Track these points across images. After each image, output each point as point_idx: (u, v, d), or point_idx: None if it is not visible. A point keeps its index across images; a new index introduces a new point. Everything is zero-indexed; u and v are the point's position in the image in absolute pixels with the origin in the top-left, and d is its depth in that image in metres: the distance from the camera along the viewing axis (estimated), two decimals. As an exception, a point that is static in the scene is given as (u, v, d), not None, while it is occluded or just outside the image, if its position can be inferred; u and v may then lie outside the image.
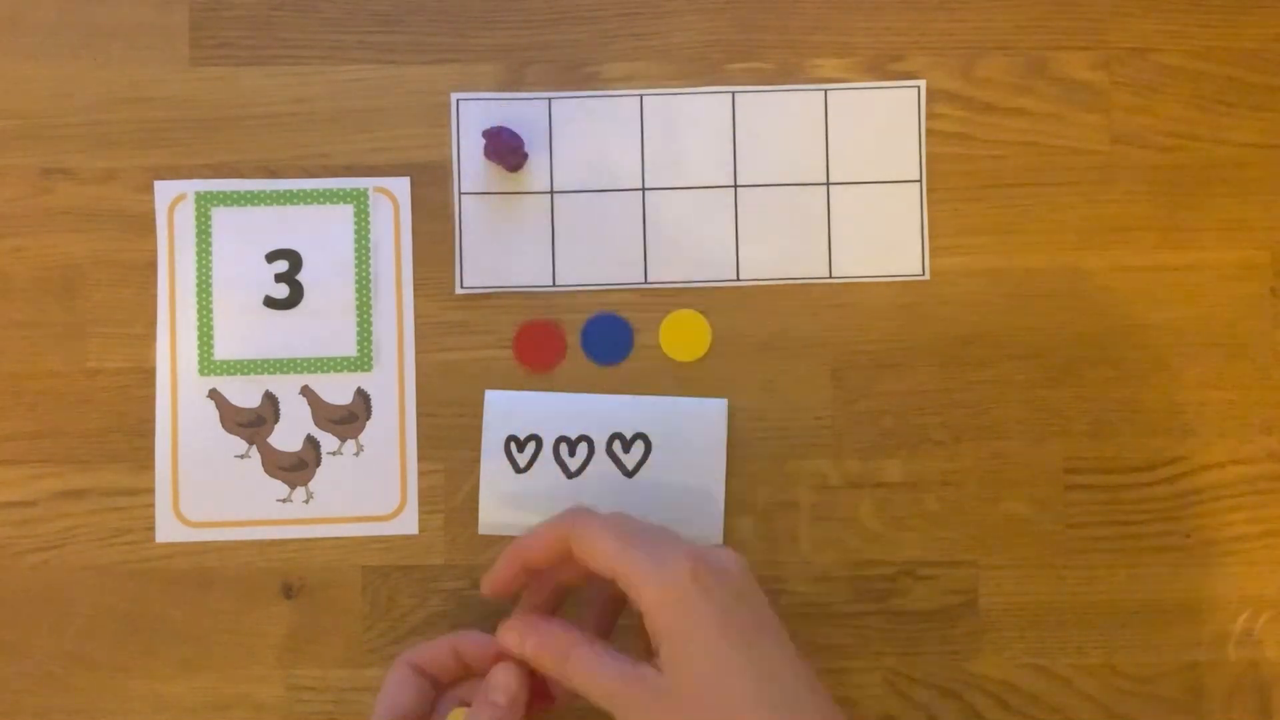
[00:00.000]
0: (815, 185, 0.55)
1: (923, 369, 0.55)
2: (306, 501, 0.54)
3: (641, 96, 0.55)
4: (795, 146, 0.55)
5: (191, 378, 0.54)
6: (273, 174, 0.55)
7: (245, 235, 0.55)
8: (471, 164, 0.55)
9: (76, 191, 0.55)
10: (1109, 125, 0.55)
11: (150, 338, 0.54)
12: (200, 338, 0.54)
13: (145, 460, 0.54)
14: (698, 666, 0.42)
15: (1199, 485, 0.55)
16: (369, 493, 0.54)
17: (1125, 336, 0.55)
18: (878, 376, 0.55)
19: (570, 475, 0.54)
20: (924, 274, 0.55)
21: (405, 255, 0.55)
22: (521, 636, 0.46)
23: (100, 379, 0.54)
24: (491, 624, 0.54)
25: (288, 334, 0.55)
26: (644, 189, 0.55)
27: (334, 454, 0.54)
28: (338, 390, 0.55)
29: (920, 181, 0.55)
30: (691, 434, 0.54)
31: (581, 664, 0.44)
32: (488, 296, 0.55)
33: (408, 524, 0.54)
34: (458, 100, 0.55)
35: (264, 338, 0.54)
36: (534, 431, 0.54)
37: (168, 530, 0.54)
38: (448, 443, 0.55)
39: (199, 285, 0.54)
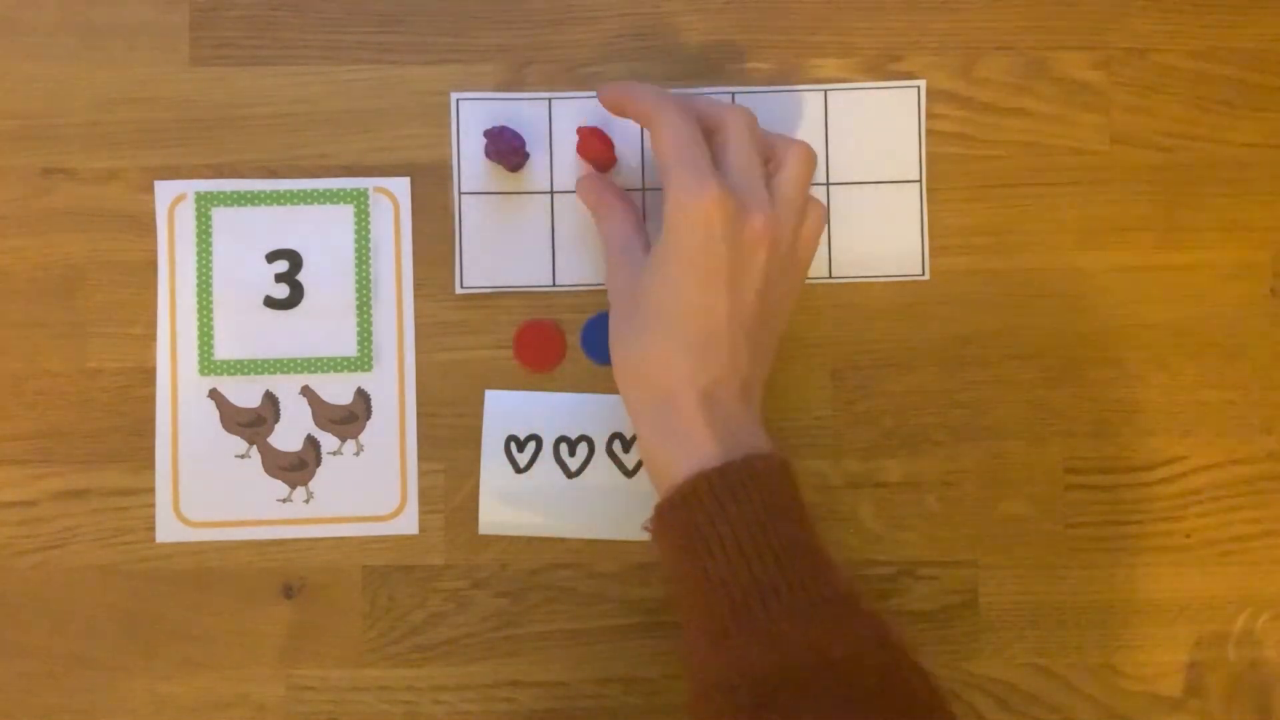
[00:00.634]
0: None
1: (923, 369, 0.55)
2: (307, 501, 0.54)
3: (641, 96, 0.55)
4: (795, 146, 0.55)
5: (192, 378, 0.54)
6: (273, 174, 0.55)
7: (245, 235, 0.55)
8: (471, 164, 0.55)
9: (76, 191, 0.55)
10: (1109, 125, 0.55)
11: (150, 338, 0.54)
12: (200, 338, 0.54)
13: (145, 460, 0.54)
14: (657, 289, 0.47)
15: (1199, 485, 0.55)
16: (369, 493, 0.54)
17: (1125, 336, 0.55)
18: (878, 376, 0.55)
19: (570, 475, 0.54)
20: (924, 274, 0.55)
21: (405, 255, 0.55)
22: (583, 185, 0.53)
23: (100, 379, 0.54)
24: (491, 624, 0.54)
25: (288, 334, 0.55)
26: (644, 189, 0.55)
27: (334, 454, 0.54)
28: (338, 390, 0.55)
29: (920, 181, 0.55)
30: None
31: (608, 224, 0.51)
32: (488, 296, 0.55)
33: (408, 524, 0.54)
34: (458, 100, 0.55)
35: (264, 338, 0.54)
36: (534, 431, 0.54)
37: (168, 530, 0.54)
38: (448, 443, 0.55)
39: (199, 285, 0.54)
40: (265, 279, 0.54)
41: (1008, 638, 0.54)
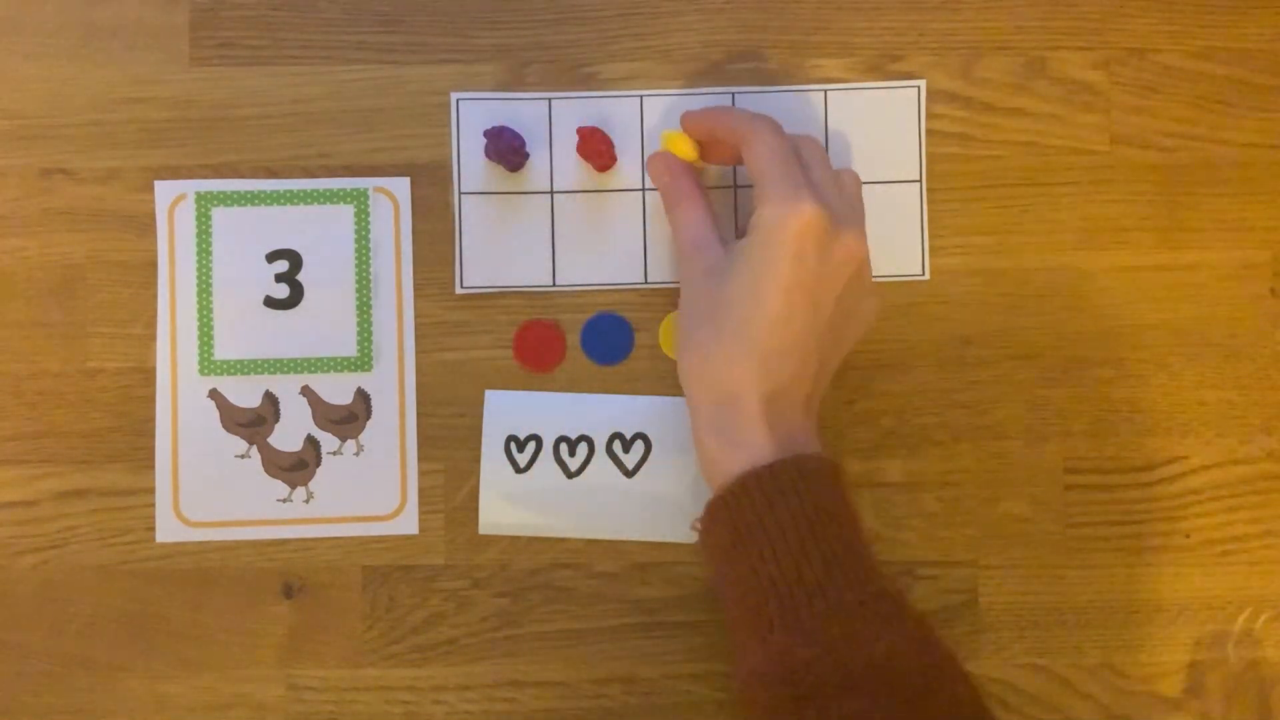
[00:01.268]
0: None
1: (923, 369, 0.55)
2: (307, 501, 0.54)
3: (641, 97, 0.55)
4: (795, 146, 0.55)
5: (191, 378, 0.54)
6: (273, 174, 0.55)
7: (245, 235, 0.55)
8: (471, 164, 0.55)
9: (76, 191, 0.55)
10: (1109, 125, 0.55)
11: (150, 338, 0.54)
12: (200, 338, 0.54)
13: (145, 460, 0.54)
14: (739, 296, 0.47)
15: (1199, 485, 0.55)
16: (369, 493, 0.54)
17: (1125, 336, 0.55)
18: (877, 376, 0.55)
19: (570, 475, 0.54)
20: (924, 274, 0.55)
21: (405, 255, 0.55)
22: (657, 164, 0.52)
23: (100, 379, 0.54)
24: (491, 624, 0.54)
25: (288, 334, 0.55)
26: (644, 189, 0.55)
27: (334, 454, 0.54)
28: (338, 390, 0.55)
29: (920, 181, 0.55)
30: (691, 434, 0.54)
31: (682, 213, 0.51)
32: (488, 296, 0.55)
33: (408, 524, 0.54)
34: (458, 100, 0.55)
35: (264, 338, 0.54)
36: (534, 431, 0.54)
37: (168, 530, 0.54)
38: (448, 443, 0.55)
39: (199, 285, 0.54)
40: (265, 279, 0.54)
41: (1008, 638, 0.54)
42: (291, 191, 0.55)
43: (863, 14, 0.55)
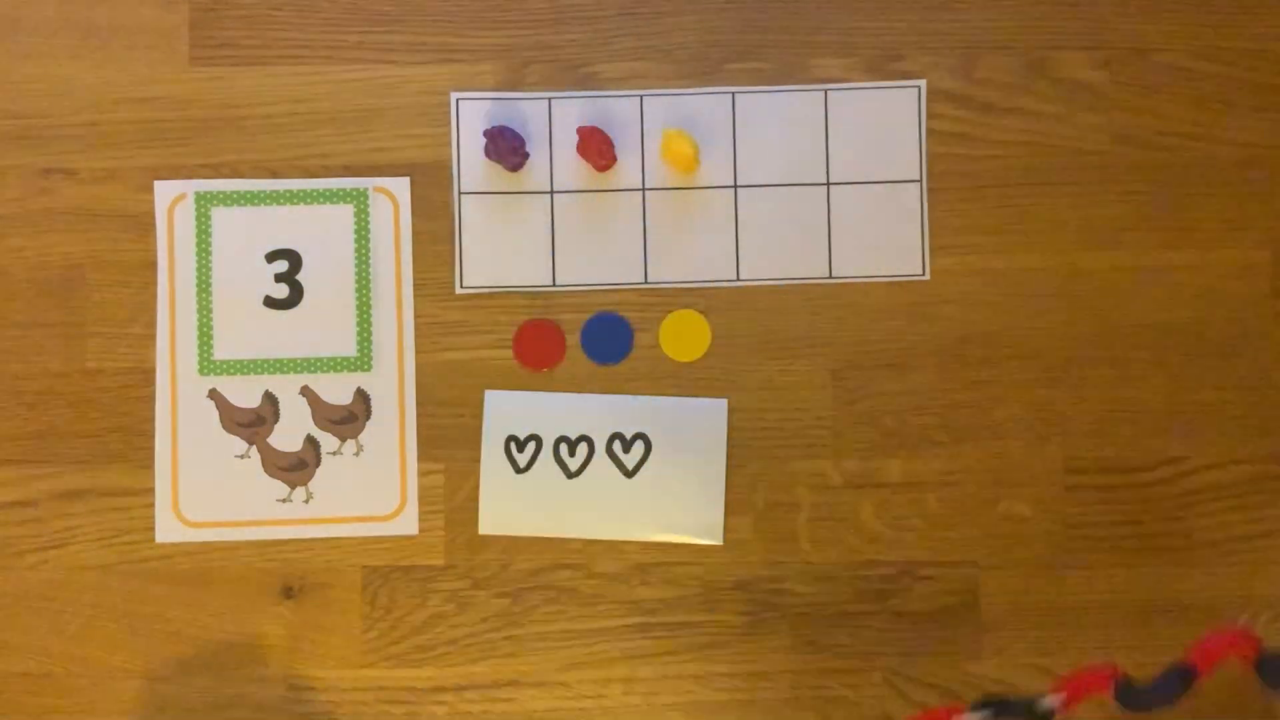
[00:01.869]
0: (815, 185, 0.55)
1: (923, 369, 0.55)
2: (306, 501, 0.54)
3: (641, 97, 0.55)
4: (795, 146, 0.55)
5: (191, 378, 0.54)
6: (273, 174, 0.55)
7: (245, 235, 0.55)
8: (471, 164, 0.55)
9: (76, 191, 0.55)
10: (1109, 125, 0.55)
11: (150, 338, 0.54)
12: (200, 338, 0.54)
13: (145, 460, 0.54)
14: None
15: (1199, 485, 0.55)
16: (369, 493, 0.54)
17: (1125, 336, 0.55)
18: (878, 376, 0.55)
19: (570, 475, 0.54)
20: (924, 274, 0.55)
21: (405, 255, 0.55)
22: None
23: (100, 379, 0.54)
24: (491, 624, 0.54)
25: (288, 334, 0.54)
26: (644, 189, 0.55)
27: (334, 454, 0.54)
28: (338, 390, 0.55)
29: (920, 181, 0.55)
30: (691, 434, 0.54)
31: None
32: (488, 296, 0.55)
33: (408, 524, 0.54)
34: (458, 100, 0.55)
35: (264, 338, 0.54)
36: (534, 431, 0.54)
37: (168, 530, 0.54)
38: (448, 443, 0.55)
39: (199, 285, 0.54)
40: (265, 279, 0.54)
41: (1008, 638, 0.54)
42: (291, 191, 0.55)
43: (863, 14, 0.55)
